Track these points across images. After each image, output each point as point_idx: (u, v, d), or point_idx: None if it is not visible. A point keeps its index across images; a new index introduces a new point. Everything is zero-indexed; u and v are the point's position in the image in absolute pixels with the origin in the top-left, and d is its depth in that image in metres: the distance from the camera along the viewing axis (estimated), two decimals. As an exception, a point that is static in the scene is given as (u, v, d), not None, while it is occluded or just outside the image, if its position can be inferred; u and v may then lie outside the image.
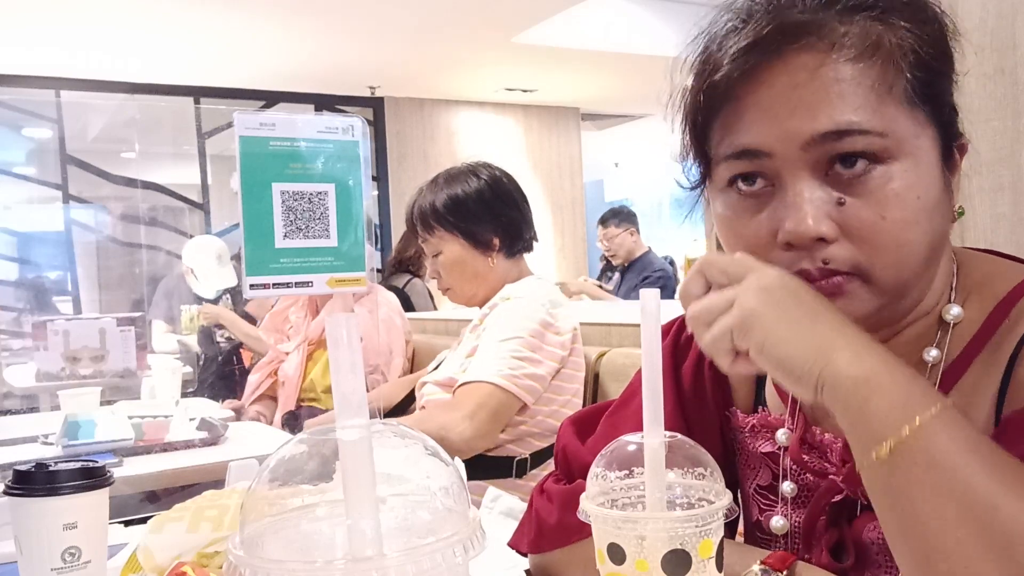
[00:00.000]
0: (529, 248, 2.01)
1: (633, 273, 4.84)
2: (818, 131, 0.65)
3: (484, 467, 1.75)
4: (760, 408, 0.87)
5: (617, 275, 5.08)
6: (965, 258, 0.77)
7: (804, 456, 0.80)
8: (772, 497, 0.85)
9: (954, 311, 0.73)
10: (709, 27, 0.72)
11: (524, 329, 1.80)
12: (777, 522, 0.82)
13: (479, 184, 1.94)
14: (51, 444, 1.88)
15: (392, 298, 2.75)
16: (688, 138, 0.74)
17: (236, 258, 4.23)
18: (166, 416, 2.00)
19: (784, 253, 0.68)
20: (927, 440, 0.56)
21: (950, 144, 0.71)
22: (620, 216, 4.95)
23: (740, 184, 0.70)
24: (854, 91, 0.65)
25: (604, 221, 4.97)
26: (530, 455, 1.83)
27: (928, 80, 0.67)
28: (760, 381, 0.89)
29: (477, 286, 1.97)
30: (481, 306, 1.98)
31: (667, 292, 4.68)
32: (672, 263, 5.67)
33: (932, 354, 0.73)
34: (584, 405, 1.88)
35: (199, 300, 4.32)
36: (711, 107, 0.70)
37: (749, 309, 0.63)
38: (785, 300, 0.63)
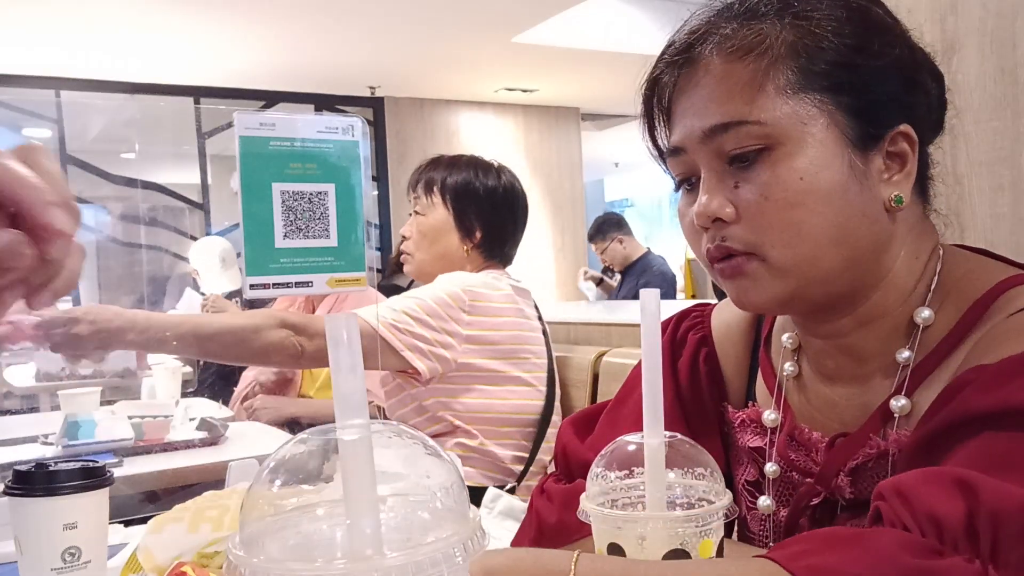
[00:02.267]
0: (504, 262, 1.99)
1: (632, 276, 4.87)
2: (707, 125, 0.72)
3: (479, 492, 1.74)
4: (750, 403, 0.88)
5: (619, 275, 5.11)
6: (949, 257, 0.77)
7: (791, 454, 0.80)
8: (758, 494, 0.85)
9: (924, 314, 0.74)
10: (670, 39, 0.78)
11: (430, 296, 1.77)
12: (763, 501, 0.84)
13: (496, 183, 1.95)
14: (51, 444, 1.88)
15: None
16: (649, 143, 0.81)
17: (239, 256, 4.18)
18: (166, 416, 2.00)
19: (702, 237, 0.75)
20: None
21: (876, 132, 0.71)
22: (603, 230, 4.98)
23: (685, 184, 0.78)
24: (735, 87, 0.71)
25: (591, 238, 5.03)
26: (519, 471, 1.82)
27: (825, 72, 0.70)
28: (752, 375, 0.89)
29: (439, 266, 1.92)
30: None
31: (667, 293, 4.70)
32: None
33: (904, 355, 0.74)
34: (584, 406, 1.88)
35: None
36: (659, 112, 0.79)
37: None
38: None
